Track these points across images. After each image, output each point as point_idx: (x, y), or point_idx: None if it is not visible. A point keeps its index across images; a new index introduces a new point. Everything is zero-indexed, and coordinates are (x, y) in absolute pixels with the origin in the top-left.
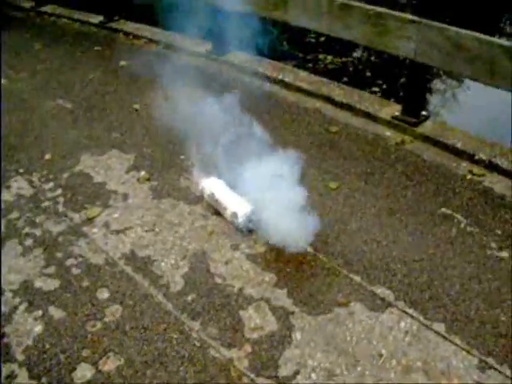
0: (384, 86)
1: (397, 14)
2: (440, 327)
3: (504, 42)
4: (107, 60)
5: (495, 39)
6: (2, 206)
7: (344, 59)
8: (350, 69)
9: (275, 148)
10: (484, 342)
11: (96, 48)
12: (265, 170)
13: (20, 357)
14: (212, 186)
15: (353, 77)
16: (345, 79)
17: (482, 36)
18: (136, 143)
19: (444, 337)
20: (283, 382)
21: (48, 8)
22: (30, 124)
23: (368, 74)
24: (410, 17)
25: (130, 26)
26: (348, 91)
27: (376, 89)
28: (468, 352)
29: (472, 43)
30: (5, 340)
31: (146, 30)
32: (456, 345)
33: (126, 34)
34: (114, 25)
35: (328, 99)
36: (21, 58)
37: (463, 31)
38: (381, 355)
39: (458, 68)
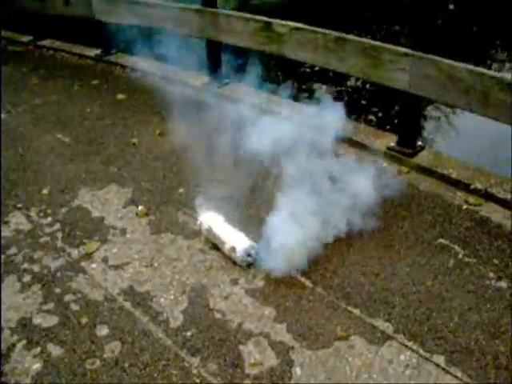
0: (379, 114)
1: (391, 46)
2: (440, 359)
3: (496, 73)
4: (105, 93)
5: (487, 71)
6: (2, 242)
7: (338, 88)
8: (345, 98)
9: (271, 181)
10: (485, 373)
11: (93, 82)
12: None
13: None
14: (210, 220)
15: (348, 106)
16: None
17: (475, 68)
18: (134, 177)
19: (444, 369)
20: None
21: (46, 42)
22: (28, 158)
23: (363, 102)
24: (403, 50)
25: (127, 59)
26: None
27: (371, 117)
28: None
29: (465, 75)
30: (2, 379)
31: (143, 63)
32: (456, 377)
33: (123, 67)
34: (111, 58)
35: None
36: (19, 92)
37: (456, 63)
38: None
39: (452, 99)
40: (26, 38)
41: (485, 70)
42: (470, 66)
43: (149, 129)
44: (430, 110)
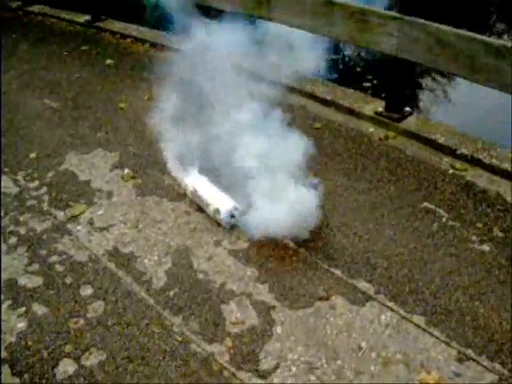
0: (368, 84)
1: (379, 10)
2: (420, 320)
3: (485, 37)
4: (93, 59)
5: (476, 35)
6: None
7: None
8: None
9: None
10: (463, 333)
11: (82, 47)
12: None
13: (3, 354)
14: (195, 182)
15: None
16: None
17: (463, 32)
18: (121, 142)
19: (424, 329)
20: (264, 375)
21: (35, 8)
22: (15, 123)
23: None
24: (391, 13)
25: (117, 25)
26: (332, 88)
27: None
28: (447, 344)
29: (453, 39)
30: None
31: (132, 29)
32: (435, 337)
33: (113, 33)
34: (100, 24)
35: (312, 96)
36: (7, 58)
37: (444, 27)
38: (361, 348)
39: (440, 64)
40: (14, 4)
41: (473, 34)
42: (459, 30)
43: (137, 94)
44: (419, 77)
